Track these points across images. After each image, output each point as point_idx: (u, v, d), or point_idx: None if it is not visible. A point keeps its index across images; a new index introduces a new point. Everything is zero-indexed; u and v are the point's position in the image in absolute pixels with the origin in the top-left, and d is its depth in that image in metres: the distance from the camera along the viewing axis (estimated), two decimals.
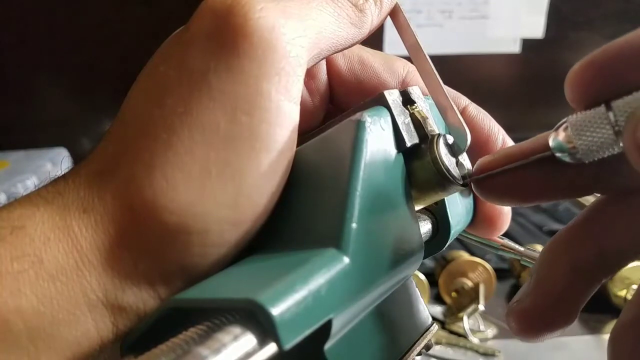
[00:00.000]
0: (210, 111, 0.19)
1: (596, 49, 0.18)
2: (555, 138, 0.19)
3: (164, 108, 0.19)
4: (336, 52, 0.23)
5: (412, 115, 0.22)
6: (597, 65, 0.18)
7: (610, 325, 0.64)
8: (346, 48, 0.23)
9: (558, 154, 0.19)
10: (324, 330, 0.17)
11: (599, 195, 0.21)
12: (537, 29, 0.94)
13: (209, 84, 0.19)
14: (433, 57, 0.23)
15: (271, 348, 0.15)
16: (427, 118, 0.22)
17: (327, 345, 0.18)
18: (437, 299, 0.71)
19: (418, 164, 0.22)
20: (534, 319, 0.20)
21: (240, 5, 0.19)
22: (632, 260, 0.20)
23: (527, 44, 0.95)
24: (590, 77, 0.18)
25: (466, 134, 0.22)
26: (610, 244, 0.19)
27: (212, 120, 0.18)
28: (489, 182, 0.21)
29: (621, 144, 0.17)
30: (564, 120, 0.19)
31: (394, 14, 0.24)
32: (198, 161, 0.18)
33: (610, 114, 0.17)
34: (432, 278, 0.71)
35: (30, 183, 0.74)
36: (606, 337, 0.63)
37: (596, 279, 0.20)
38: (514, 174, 0.20)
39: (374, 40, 0.24)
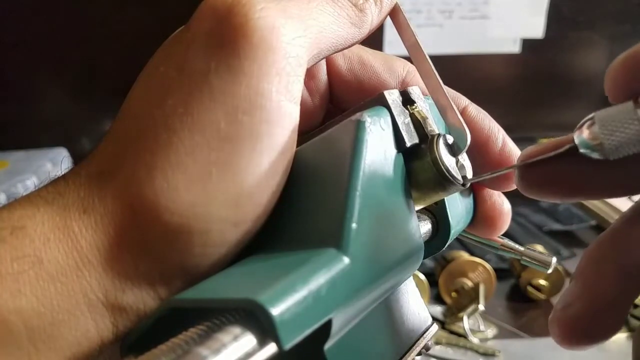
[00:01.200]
0: (210, 111, 0.18)
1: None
2: (581, 135, 0.18)
3: (165, 108, 0.19)
4: (336, 52, 0.23)
5: (412, 115, 0.22)
6: None
7: None
8: (346, 48, 0.23)
9: (583, 150, 0.18)
10: (324, 330, 0.17)
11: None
12: (537, 29, 0.94)
13: (210, 84, 0.19)
14: (433, 57, 0.23)
15: (271, 348, 0.15)
16: (427, 118, 0.22)
17: (327, 345, 0.18)
18: (437, 299, 0.71)
19: (418, 164, 0.22)
20: (582, 328, 0.19)
21: (240, 5, 0.19)
22: None
23: (527, 44, 0.95)
24: (634, 71, 0.17)
25: (466, 134, 0.22)
26: None
27: (213, 120, 0.18)
28: (531, 172, 0.20)
29: None
30: (590, 115, 0.18)
31: (394, 13, 0.24)
32: (199, 162, 0.18)
33: (639, 111, 0.17)
34: (432, 278, 0.71)
35: (30, 183, 0.74)
36: None
37: None
38: (556, 167, 0.19)
39: (374, 40, 0.24)
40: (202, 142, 0.18)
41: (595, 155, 0.18)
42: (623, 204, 0.76)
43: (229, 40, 0.19)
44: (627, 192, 0.19)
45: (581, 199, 0.20)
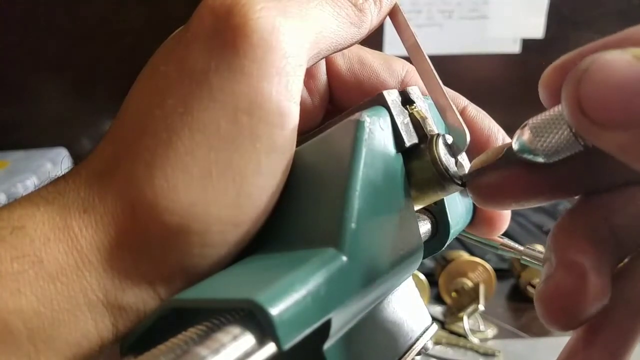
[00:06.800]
0: (210, 111, 0.19)
1: (570, 51, 0.17)
2: (517, 141, 0.19)
3: (165, 108, 0.19)
4: (335, 52, 0.23)
5: (412, 115, 0.22)
6: (570, 64, 0.17)
7: None
8: (345, 48, 0.23)
9: (525, 155, 0.19)
10: (323, 330, 0.17)
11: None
12: (537, 29, 0.94)
13: (210, 83, 0.19)
14: (432, 57, 0.23)
15: (270, 348, 0.15)
16: (427, 118, 0.22)
17: (326, 345, 0.18)
18: (437, 299, 0.71)
19: (417, 164, 0.22)
20: (566, 297, 0.18)
21: (240, 5, 0.19)
22: None
23: (527, 44, 0.95)
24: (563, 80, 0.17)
25: (465, 134, 0.22)
26: (618, 221, 0.19)
27: (213, 120, 0.18)
28: (480, 181, 0.20)
29: (581, 143, 0.17)
30: (524, 123, 0.19)
31: (394, 14, 0.24)
32: (199, 161, 0.18)
33: None
34: (432, 278, 0.71)
35: (30, 183, 0.74)
36: None
37: (615, 255, 0.19)
38: (503, 173, 0.20)
39: (374, 40, 0.24)
40: (202, 142, 0.18)
41: (536, 159, 0.18)
42: None
43: (229, 40, 0.19)
44: (567, 194, 0.20)
45: (533, 204, 0.20)
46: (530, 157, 0.18)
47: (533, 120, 0.18)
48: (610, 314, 0.18)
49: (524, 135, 0.18)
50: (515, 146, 0.19)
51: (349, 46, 0.23)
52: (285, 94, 0.19)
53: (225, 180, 0.19)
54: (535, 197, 0.20)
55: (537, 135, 0.18)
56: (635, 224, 0.19)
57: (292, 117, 0.19)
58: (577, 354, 0.19)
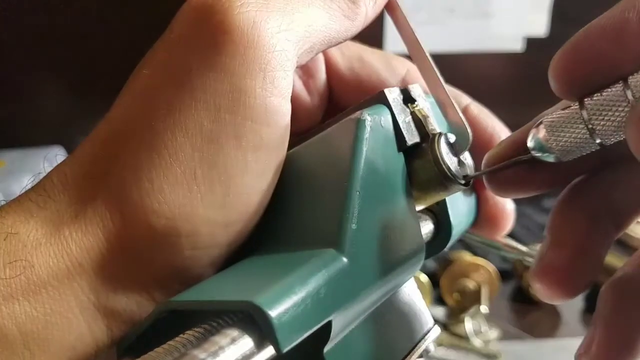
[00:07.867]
0: (193, 111, 0.18)
1: (575, 33, 0.17)
2: (533, 138, 0.19)
3: (148, 110, 0.19)
4: (331, 47, 0.22)
5: (413, 114, 0.22)
6: (579, 49, 0.17)
7: None
8: (341, 42, 0.22)
9: (537, 155, 0.19)
10: (324, 333, 0.17)
11: None
12: (540, 27, 0.94)
13: (192, 83, 0.18)
14: (435, 55, 0.23)
15: (269, 351, 0.15)
16: (428, 116, 0.22)
17: (327, 348, 0.18)
18: (439, 300, 0.71)
19: (419, 163, 0.21)
20: (557, 273, 0.19)
21: (220, 4, 0.19)
22: None
23: (531, 42, 0.95)
24: (575, 64, 0.17)
25: (468, 133, 0.22)
26: (618, 196, 0.20)
27: (196, 120, 0.18)
28: (499, 176, 0.20)
29: (597, 141, 0.17)
30: (538, 121, 0.19)
31: (392, 9, 0.24)
32: (182, 163, 0.18)
33: (584, 112, 0.17)
34: (434, 279, 0.70)
35: (27, 182, 0.74)
36: None
37: (611, 229, 0.20)
38: (523, 169, 0.20)
39: (375, 38, 0.24)
40: (184, 143, 0.18)
41: (549, 159, 0.19)
42: None
43: (210, 38, 0.18)
44: (578, 176, 0.21)
45: (552, 189, 0.21)
46: (544, 155, 0.18)
47: (548, 118, 0.18)
48: (621, 302, 0.19)
49: (540, 133, 0.18)
50: (530, 144, 0.19)
51: (344, 40, 0.22)
52: (272, 90, 0.19)
53: (211, 181, 0.18)
54: (554, 186, 0.21)
55: (553, 133, 0.18)
56: (637, 197, 0.20)
57: (281, 114, 0.19)
58: (592, 340, 0.19)
